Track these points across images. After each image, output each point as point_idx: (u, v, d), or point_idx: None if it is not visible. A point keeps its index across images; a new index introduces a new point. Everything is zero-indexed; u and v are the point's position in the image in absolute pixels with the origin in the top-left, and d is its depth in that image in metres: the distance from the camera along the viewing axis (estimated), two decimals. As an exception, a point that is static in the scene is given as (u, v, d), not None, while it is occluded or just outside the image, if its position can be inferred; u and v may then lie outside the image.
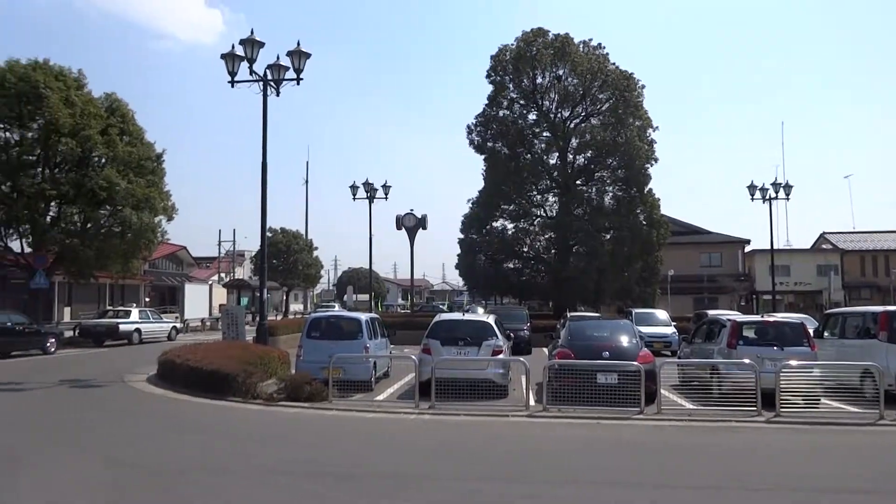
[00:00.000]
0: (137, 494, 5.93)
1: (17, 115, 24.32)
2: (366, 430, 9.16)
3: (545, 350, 18.51)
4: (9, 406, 11.21)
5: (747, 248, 50.60)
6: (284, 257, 59.13)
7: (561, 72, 33.04)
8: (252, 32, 15.28)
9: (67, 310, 36.83)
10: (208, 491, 6.01)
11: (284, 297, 64.60)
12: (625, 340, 12.17)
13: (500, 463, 7.30)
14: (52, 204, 25.89)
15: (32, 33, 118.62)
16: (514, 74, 33.38)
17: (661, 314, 24.59)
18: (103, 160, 26.08)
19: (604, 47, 33.80)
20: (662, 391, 10.76)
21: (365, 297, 51.30)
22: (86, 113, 25.28)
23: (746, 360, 10.67)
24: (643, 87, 33.47)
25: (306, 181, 61.79)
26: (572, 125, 33.70)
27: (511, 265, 34.87)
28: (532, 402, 10.73)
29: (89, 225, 26.36)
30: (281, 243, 58.58)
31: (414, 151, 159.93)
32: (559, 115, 33.73)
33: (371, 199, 31.80)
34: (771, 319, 13.17)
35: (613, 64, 33.43)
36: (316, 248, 64.73)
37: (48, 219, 25.99)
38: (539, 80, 33.33)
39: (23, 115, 24.43)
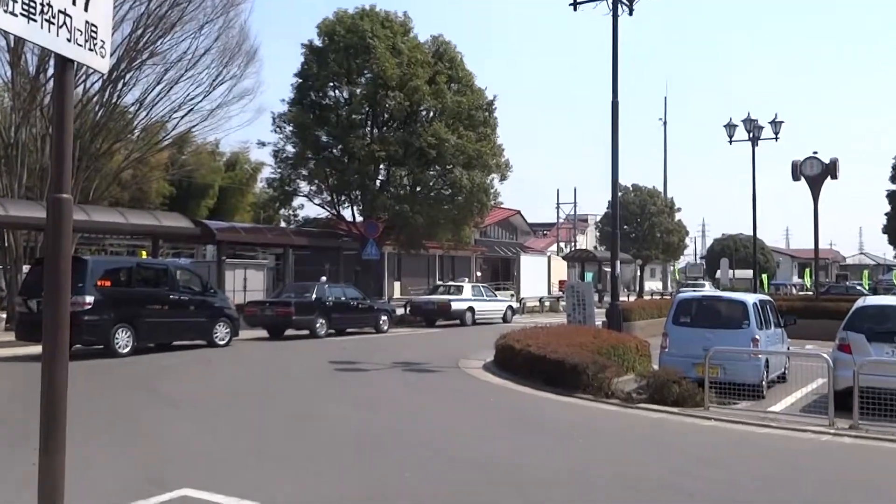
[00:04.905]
0: (489, 498, 6.45)
1: (345, 71, 28.61)
2: (760, 451, 8.73)
3: None
4: (351, 386, 13.28)
5: None
6: (638, 222, 59.54)
7: None
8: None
9: (397, 284, 42.31)
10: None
11: (638, 273, 65.15)
12: None
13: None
14: (381, 167, 29.95)
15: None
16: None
17: None
18: (431, 113, 29.28)
19: None
20: None
21: (746, 272, 49.06)
22: (413, 61, 28.60)
23: None
24: None
25: (664, 121, 60.22)
26: None
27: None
28: None
29: (418, 188, 29.93)
30: (633, 204, 59.07)
31: (812, 80, 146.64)
32: None
33: (754, 140, 30.01)
34: None
35: None
36: (678, 210, 64.07)
37: (377, 183, 30.16)
38: None
39: (351, 70, 28.68)
